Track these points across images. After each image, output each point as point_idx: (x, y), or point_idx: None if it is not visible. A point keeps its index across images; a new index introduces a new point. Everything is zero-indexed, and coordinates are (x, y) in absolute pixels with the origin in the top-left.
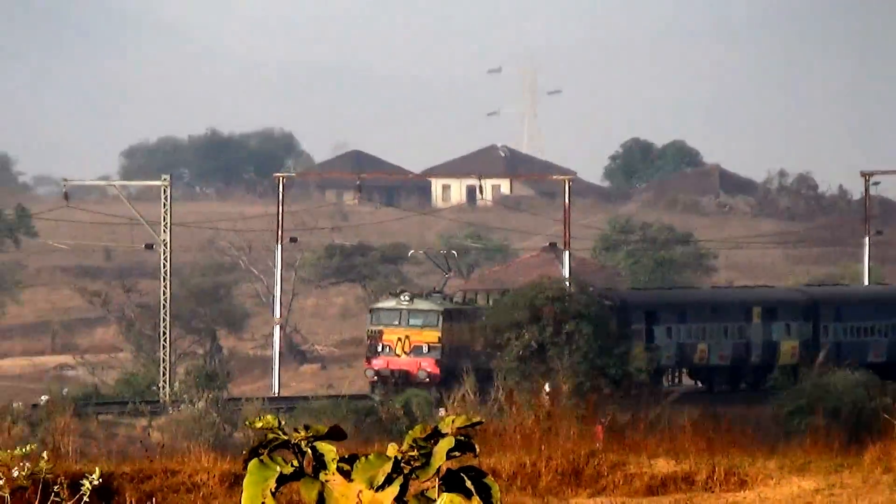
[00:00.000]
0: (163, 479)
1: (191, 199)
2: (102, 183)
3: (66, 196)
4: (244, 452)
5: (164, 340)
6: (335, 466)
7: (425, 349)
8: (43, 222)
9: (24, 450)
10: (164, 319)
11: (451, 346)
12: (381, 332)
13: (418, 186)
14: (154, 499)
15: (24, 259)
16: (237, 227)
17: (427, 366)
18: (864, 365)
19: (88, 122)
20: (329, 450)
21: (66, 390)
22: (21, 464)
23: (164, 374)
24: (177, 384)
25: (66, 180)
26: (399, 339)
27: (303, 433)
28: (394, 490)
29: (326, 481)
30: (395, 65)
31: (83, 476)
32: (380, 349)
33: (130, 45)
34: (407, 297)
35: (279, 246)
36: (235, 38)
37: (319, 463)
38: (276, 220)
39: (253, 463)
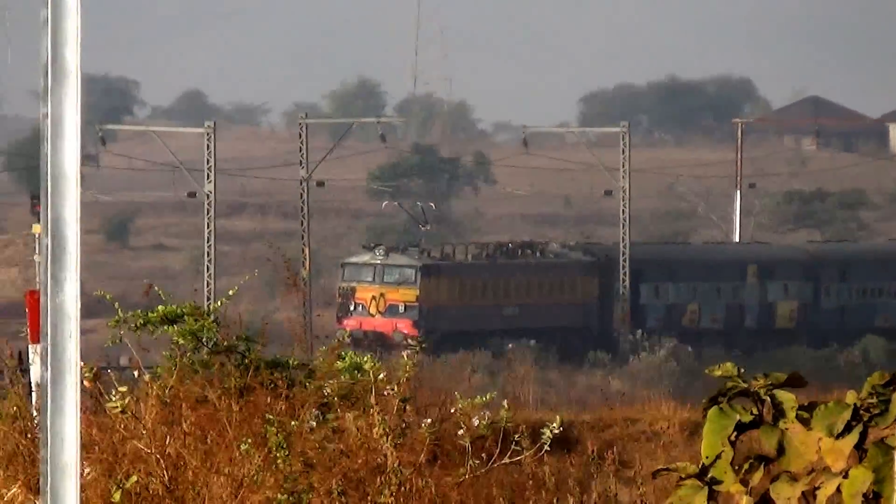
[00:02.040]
0: (623, 428)
1: (649, 146)
2: (561, 130)
3: (525, 143)
4: (703, 401)
5: (624, 287)
6: (794, 414)
7: (401, 309)
8: (502, 169)
9: (484, 398)
10: (624, 267)
11: (430, 305)
12: (353, 290)
13: (877, 132)
14: (614, 447)
15: (482, 206)
16: (695, 173)
17: (403, 327)
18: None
19: (547, 69)
20: (788, 398)
21: (532, 341)
22: (482, 413)
23: (625, 322)
24: (638, 332)
25: (525, 127)
26: (373, 298)
27: (762, 381)
28: (853, 438)
29: (786, 429)
30: (853, 12)
31: (543, 425)
32: (352, 308)
33: None
34: (382, 251)
35: (738, 192)
36: None
37: (778, 411)
38: (735, 166)
39: (713, 411)
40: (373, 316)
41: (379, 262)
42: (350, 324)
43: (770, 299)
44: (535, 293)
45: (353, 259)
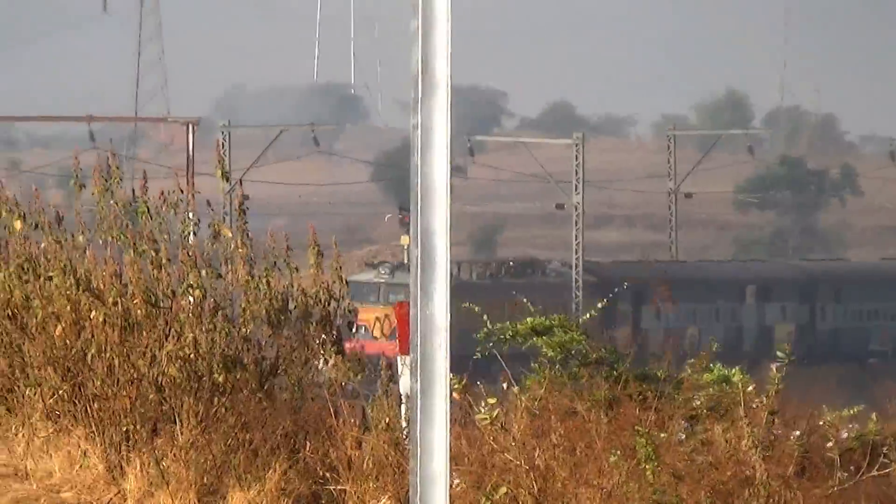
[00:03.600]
0: None
1: None
2: None
3: (893, 156)
4: None
5: None
6: None
7: None
8: (868, 181)
9: (851, 411)
10: None
11: None
12: (355, 311)
13: None
14: None
15: (849, 218)
16: None
17: None
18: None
19: None
20: None
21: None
22: (849, 426)
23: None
24: None
25: (893, 139)
26: (377, 319)
27: None
28: None
29: None
30: None
31: None
32: (353, 330)
33: None
34: (386, 270)
35: None
36: None
37: None
38: None
39: None
40: (377, 339)
41: (384, 281)
42: (352, 347)
43: (768, 322)
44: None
45: (356, 277)
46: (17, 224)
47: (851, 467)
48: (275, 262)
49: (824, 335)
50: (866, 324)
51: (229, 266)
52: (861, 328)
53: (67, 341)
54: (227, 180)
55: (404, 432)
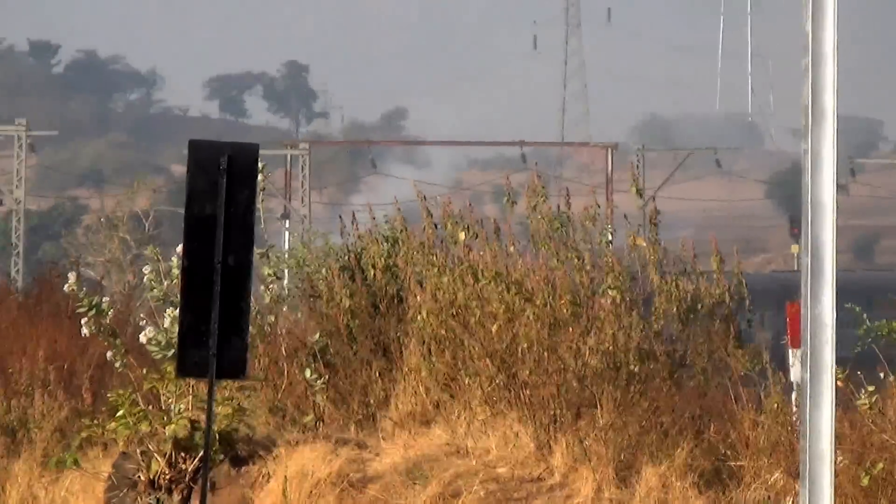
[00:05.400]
0: None
1: None
2: None
3: None
4: None
5: None
6: None
7: None
8: None
9: None
10: None
11: None
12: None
13: None
14: None
15: None
16: None
17: None
18: None
19: None
20: None
21: None
22: None
23: None
24: None
25: None
26: None
27: None
28: None
29: None
30: None
31: None
32: None
33: None
34: None
35: None
36: None
37: None
38: None
39: None
40: None
41: None
42: None
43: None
44: None
45: None
46: (462, 235)
47: None
48: (684, 268)
49: None
50: None
51: (644, 271)
52: None
53: (502, 337)
54: (642, 196)
55: (794, 416)
